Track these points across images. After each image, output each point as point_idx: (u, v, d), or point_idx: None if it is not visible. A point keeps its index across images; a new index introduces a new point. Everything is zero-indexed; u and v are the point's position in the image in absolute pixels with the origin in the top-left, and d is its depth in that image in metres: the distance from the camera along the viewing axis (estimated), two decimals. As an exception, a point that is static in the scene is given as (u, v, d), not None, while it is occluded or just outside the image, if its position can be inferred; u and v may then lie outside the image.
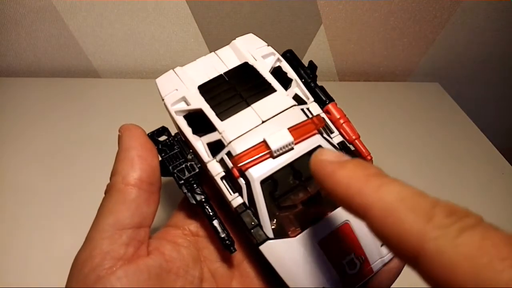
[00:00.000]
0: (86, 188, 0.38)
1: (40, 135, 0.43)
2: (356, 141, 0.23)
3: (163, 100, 0.23)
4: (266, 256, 0.19)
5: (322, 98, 0.24)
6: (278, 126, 0.21)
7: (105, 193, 0.20)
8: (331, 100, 0.24)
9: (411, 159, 0.47)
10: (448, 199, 0.12)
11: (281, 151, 0.20)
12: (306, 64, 0.26)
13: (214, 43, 0.55)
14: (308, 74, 0.25)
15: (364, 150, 0.23)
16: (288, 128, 0.21)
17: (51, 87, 0.50)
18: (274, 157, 0.20)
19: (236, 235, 0.21)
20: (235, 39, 0.25)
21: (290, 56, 0.25)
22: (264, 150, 0.20)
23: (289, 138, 0.20)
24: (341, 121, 0.24)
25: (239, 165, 0.20)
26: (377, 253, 0.20)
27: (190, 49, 0.55)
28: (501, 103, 0.72)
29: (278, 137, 0.20)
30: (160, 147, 0.22)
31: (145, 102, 0.50)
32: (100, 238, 0.17)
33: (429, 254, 0.11)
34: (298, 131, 0.21)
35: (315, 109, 0.24)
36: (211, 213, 0.21)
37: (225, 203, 0.21)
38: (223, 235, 0.20)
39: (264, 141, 0.20)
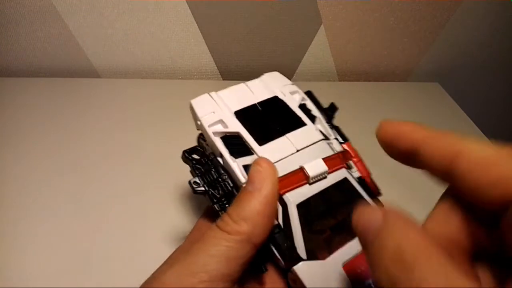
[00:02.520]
0: (86, 188, 0.38)
1: (40, 135, 0.43)
2: (367, 178, 0.25)
3: (198, 120, 0.24)
4: (300, 275, 0.20)
5: (339, 138, 0.27)
6: (311, 156, 0.23)
7: (221, 228, 0.19)
8: (346, 140, 0.27)
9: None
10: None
11: (316, 179, 0.22)
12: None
13: (214, 43, 0.55)
14: (328, 114, 0.28)
15: (374, 187, 0.25)
16: (322, 159, 0.23)
17: (51, 87, 0.50)
18: (310, 184, 0.22)
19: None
20: (263, 74, 0.28)
21: (309, 96, 0.28)
22: (301, 176, 0.22)
23: (324, 167, 0.22)
24: (355, 159, 0.26)
25: (279, 189, 0.21)
26: None
27: (190, 49, 0.55)
28: (501, 103, 0.72)
29: (315, 165, 0.22)
30: (194, 164, 0.23)
31: (145, 102, 0.50)
32: (203, 280, 0.17)
33: None
34: (330, 163, 0.23)
35: (336, 145, 0.26)
36: None
37: None
38: (257, 257, 0.21)
39: (302, 169, 0.22)
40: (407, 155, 0.18)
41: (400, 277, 0.13)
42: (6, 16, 0.48)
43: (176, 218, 0.36)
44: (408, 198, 0.36)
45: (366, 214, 0.16)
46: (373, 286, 0.21)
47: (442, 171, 0.16)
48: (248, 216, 0.19)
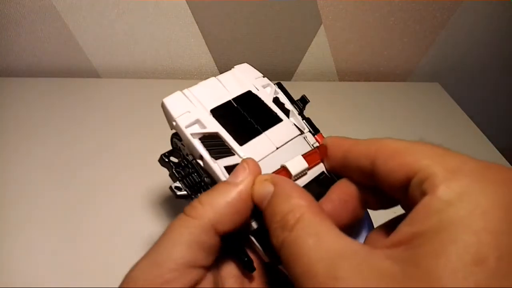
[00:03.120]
0: (86, 188, 0.38)
1: (40, 135, 0.43)
2: None
3: (174, 121, 0.23)
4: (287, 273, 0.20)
5: (311, 130, 0.27)
6: (290, 153, 0.23)
7: (187, 214, 0.19)
8: (317, 131, 0.27)
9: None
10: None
11: (298, 176, 0.22)
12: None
13: (214, 43, 0.55)
14: (299, 106, 0.28)
15: None
16: (302, 155, 0.23)
17: (51, 87, 0.50)
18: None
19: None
20: (233, 67, 0.28)
21: (280, 88, 0.28)
22: (284, 175, 0.22)
23: (305, 164, 0.22)
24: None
25: None
26: None
27: (190, 49, 0.55)
28: (501, 103, 0.72)
29: (296, 163, 0.22)
30: (174, 169, 0.22)
31: (145, 102, 0.50)
32: (171, 268, 0.17)
33: None
34: (309, 159, 0.23)
35: (310, 138, 0.26)
36: (233, 242, 0.21)
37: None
38: (244, 256, 0.21)
39: (284, 167, 0.22)
40: (342, 169, 0.21)
41: (284, 237, 0.16)
42: (6, 16, 0.48)
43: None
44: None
45: (260, 185, 0.19)
46: None
47: (367, 172, 0.18)
48: (215, 203, 0.19)
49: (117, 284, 0.18)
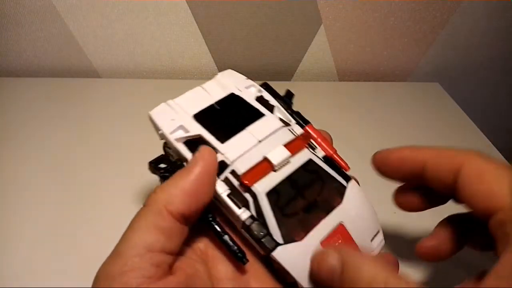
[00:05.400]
0: (86, 187, 0.38)
1: (40, 135, 0.43)
2: (334, 155, 0.26)
3: (160, 130, 0.24)
4: (279, 260, 0.20)
5: (300, 121, 0.27)
6: (273, 144, 0.23)
7: (144, 205, 0.20)
8: (308, 122, 0.27)
9: (411, 159, 0.47)
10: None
11: (281, 165, 0.23)
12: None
13: (214, 43, 0.55)
14: (286, 101, 0.28)
15: (342, 163, 0.25)
16: (283, 145, 0.23)
17: (51, 87, 0.50)
18: (275, 171, 0.22)
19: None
20: (217, 74, 0.28)
21: (266, 88, 0.28)
22: (266, 166, 0.22)
23: (286, 153, 0.23)
24: (319, 139, 0.26)
25: (245, 181, 0.21)
26: (369, 247, 0.23)
27: (190, 49, 0.55)
28: (501, 103, 0.72)
29: (277, 153, 0.23)
30: (161, 174, 0.24)
31: (145, 102, 0.50)
32: (132, 255, 0.18)
33: None
34: (291, 147, 0.23)
35: (297, 129, 0.26)
36: (219, 230, 0.22)
37: (231, 221, 0.23)
38: (234, 248, 0.21)
39: (265, 158, 0.22)
40: (412, 177, 0.23)
41: None
42: (6, 16, 0.48)
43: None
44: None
45: (324, 260, 0.19)
46: None
47: (447, 186, 0.19)
48: (165, 186, 0.20)
49: None
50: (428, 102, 0.57)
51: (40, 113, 0.46)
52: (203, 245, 0.23)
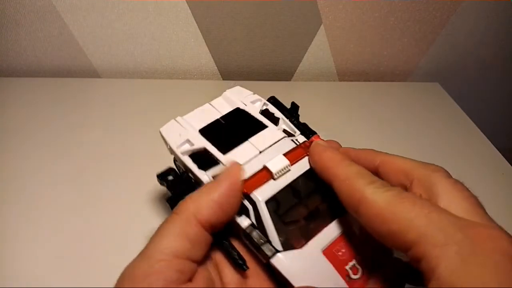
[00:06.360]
0: (86, 187, 0.38)
1: (40, 135, 0.43)
2: None
3: (168, 145, 0.26)
4: (278, 267, 0.20)
5: (306, 132, 0.27)
6: (274, 154, 0.24)
7: (174, 212, 0.21)
8: (314, 133, 0.27)
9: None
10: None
11: (280, 173, 0.23)
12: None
13: (214, 43, 0.55)
14: (292, 113, 0.28)
15: None
16: (283, 154, 0.24)
17: (51, 87, 0.50)
18: (275, 179, 0.23)
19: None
20: (225, 91, 0.29)
21: (273, 102, 0.29)
22: (265, 174, 0.23)
23: (285, 161, 0.23)
24: None
25: (244, 189, 0.22)
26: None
27: (190, 49, 0.55)
28: (501, 103, 0.72)
29: (276, 161, 0.23)
30: (169, 184, 0.25)
31: (145, 102, 0.50)
32: (158, 259, 0.19)
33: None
34: (292, 155, 0.24)
35: (302, 139, 0.27)
36: (223, 240, 0.22)
37: (232, 229, 0.23)
38: (234, 255, 0.21)
39: (265, 167, 0.23)
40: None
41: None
42: (6, 16, 0.48)
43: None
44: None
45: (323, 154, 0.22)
46: (357, 266, 0.21)
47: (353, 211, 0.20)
48: (195, 196, 0.21)
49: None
50: (428, 102, 0.57)
51: (40, 113, 0.46)
52: (212, 251, 0.23)
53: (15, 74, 0.54)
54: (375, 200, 0.18)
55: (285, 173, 0.23)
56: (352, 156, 0.23)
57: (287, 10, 0.52)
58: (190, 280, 0.19)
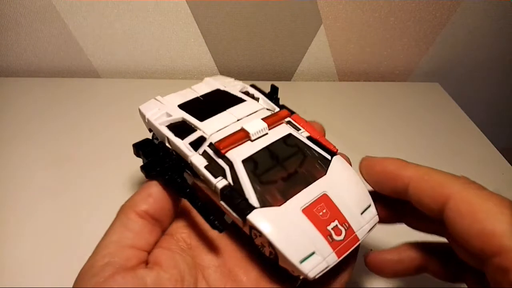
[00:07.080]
0: (86, 187, 0.38)
1: (40, 135, 0.43)
2: (320, 138, 0.25)
3: (146, 119, 0.26)
4: (254, 223, 0.20)
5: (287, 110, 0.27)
6: (251, 120, 0.24)
7: (116, 216, 0.22)
8: (293, 113, 0.27)
9: (411, 159, 0.47)
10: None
11: (257, 135, 0.23)
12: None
13: (214, 43, 0.55)
14: (272, 96, 0.28)
15: (329, 144, 0.25)
16: (261, 119, 0.24)
17: (51, 87, 0.50)
18: (252, 141, 0.23)
19: (228, 240, 0.23)
20: (205, 78, 0.30)
21: (254, 87, 0.30)
22: (242, 135, 0.23)
23: (263, 124, 0.23)
24: (303, 123, 0.26)
25: (220, 147, 0.22)
26: (358, 221, 0.22)
27: (190, 49, 0.55)
28: (501, 103, 0.72)
29: (254, 123, 0.23)
30: (145, 151, 0.24)
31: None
32: (103, 252, 0.19)
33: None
34: (269, 120, 0.24)
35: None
36: (198, 202, 0.22)
37: (215, 205, 0.23)
38: (211, 217, 0.21)
39: (242, 129, 0.23)
40: (395, 195, 0.22)
41: None
42: (6, 16, 0.48)
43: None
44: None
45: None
46: (340, 227, 0.21)
47: (432, 212, 0.19)
48: (132, 195, 0.22)
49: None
50: (428, 102, 0.57)
51: (40, 113, 0.46)
52: (186, 235, 0.23)
53: (15, 74, 0.54)
54: (468, 197, 0.17)
55: (262, 135, 0.23)
56: (378, 166, 0.22)
57: (287, 10, 0.52)
58: (144, 263, 0.20)
